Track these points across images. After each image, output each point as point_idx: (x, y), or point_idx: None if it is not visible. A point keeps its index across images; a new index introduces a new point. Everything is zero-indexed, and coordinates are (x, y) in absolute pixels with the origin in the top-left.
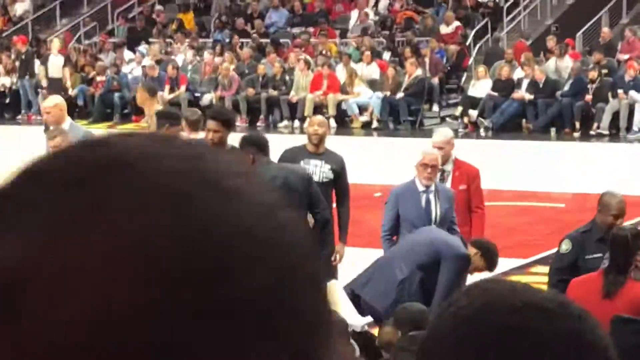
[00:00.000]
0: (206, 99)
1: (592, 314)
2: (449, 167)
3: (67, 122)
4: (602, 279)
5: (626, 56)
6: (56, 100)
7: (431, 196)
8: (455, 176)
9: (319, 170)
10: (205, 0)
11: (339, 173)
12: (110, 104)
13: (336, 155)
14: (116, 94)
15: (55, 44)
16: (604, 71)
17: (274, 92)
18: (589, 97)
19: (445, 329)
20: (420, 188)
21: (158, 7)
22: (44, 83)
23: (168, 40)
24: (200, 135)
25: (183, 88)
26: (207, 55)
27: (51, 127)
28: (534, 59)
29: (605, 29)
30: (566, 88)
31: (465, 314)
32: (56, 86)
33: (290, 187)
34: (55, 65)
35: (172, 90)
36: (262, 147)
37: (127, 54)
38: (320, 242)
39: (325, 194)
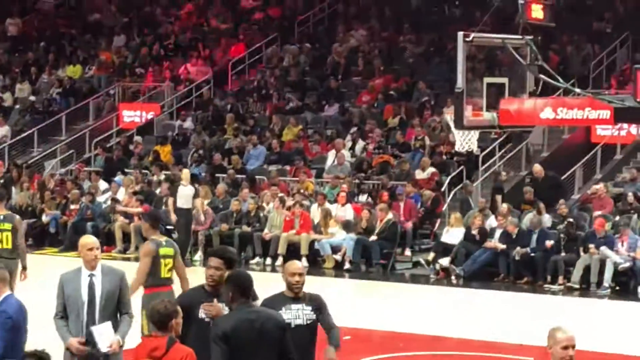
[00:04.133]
0: None
1: None
2: None
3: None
4: None
5: (598, 212)
6: None
7: None
8: None
9: (302, 314)
10: (184, 134)
11: (320, 309)
12: (83, 232)
13: (312, 294)
14: (89, 223)
15: (186, 174)
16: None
17: (247, 229)
18: (549, 243)
19: None
20: None
21: (136, 138)
22: (172, 214)
23: (144, 171)
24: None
25: None
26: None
27: None
28: (511, 211)
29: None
30: (533, 240)
31: None
32: (187, 216)
33: (267, 332)
34: (185, 196)
35: None
36: (243, 290)
37: (102, 184)
38: None
39: (311, 335)
